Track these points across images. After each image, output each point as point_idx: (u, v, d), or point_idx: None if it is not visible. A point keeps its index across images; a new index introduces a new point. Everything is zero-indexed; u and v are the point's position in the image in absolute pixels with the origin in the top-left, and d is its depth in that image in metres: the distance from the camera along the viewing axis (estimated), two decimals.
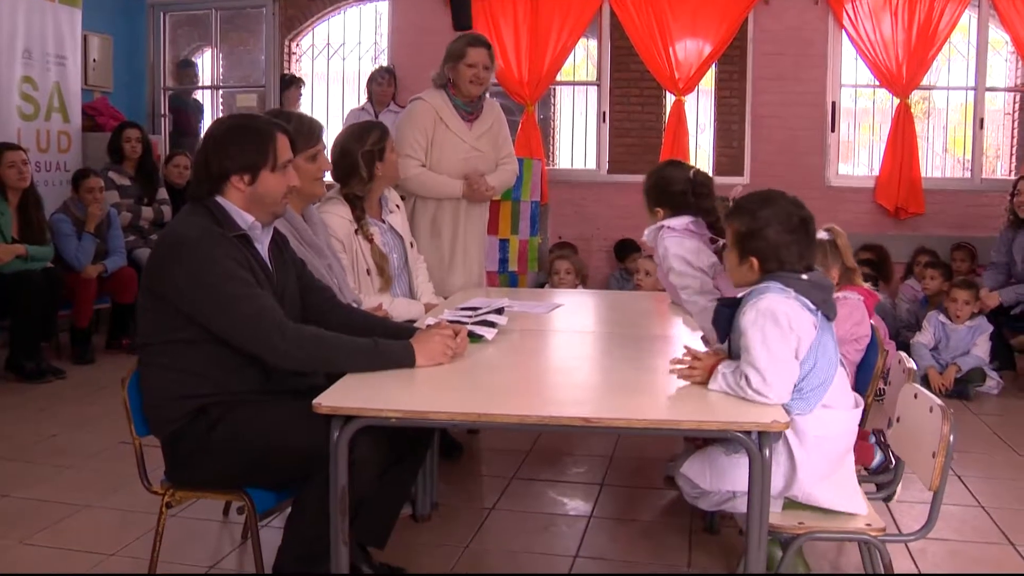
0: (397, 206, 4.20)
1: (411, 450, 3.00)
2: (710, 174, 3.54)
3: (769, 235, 2.51)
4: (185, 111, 9.02)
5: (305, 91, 9.74)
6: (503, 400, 2.54)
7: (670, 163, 3.63)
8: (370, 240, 3.92)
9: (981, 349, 5.88)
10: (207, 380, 2.69)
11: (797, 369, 2.45)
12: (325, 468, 2.44)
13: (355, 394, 2.51)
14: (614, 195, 8.15)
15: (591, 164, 8.68)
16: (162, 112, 8.98)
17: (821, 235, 3.69)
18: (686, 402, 2.49)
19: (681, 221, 3.28)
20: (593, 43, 8.86)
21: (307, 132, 3.42)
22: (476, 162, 4.65)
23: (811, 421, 2.52)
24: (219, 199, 2.76)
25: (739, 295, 2.56)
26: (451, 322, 3.22)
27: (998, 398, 5.80)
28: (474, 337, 3.11)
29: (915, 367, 2.98)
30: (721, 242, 3.13)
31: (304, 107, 9.65)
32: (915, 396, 2.70)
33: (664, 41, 7.84)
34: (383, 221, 4.07)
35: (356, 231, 3.89)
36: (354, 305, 3.55)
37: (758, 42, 7.90)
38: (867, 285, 3.93)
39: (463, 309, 3.53)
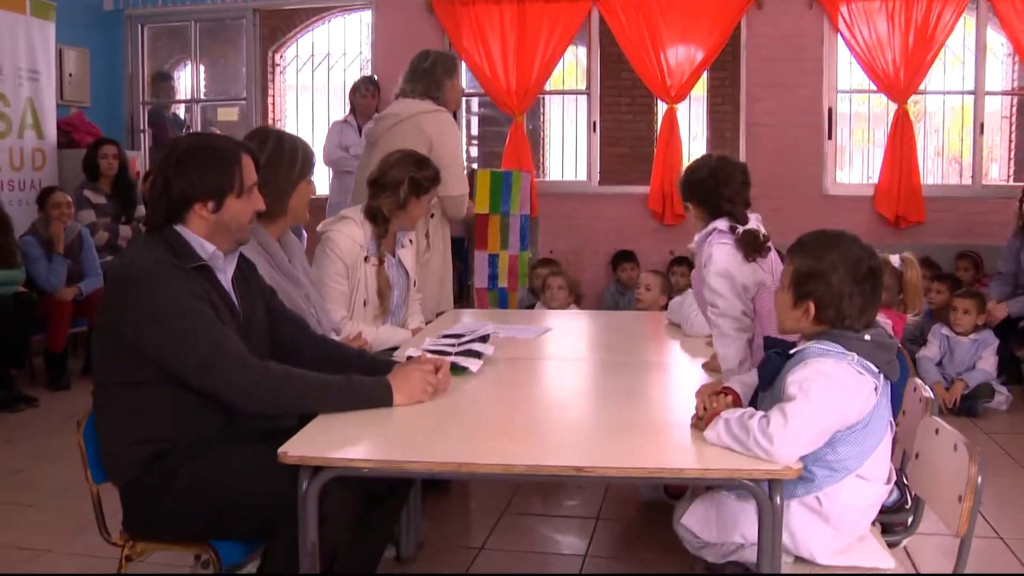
0: (410, 241, 4.06)
1: (392, 492, 2.78)
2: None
3: (833, 280, 2.27)
4: (165, 125, 8.79)
5: (290, 103, 9.59)
6: (487, 445, 2.30)
7: (701, 156, 3.31)
8: (381, 263, 3.81)
9: (988, 363, 5.68)
10: (166, 424, 2.47)
11: (818, 444, 2.20)
12: (294, 521, 2.22)
13: (325, 439, 2.29)
14: (606, 206, 7.93)
15: (582, 175, 8.47)
16: (141, 127, 8.76)
17: (893, 260, 3.45)
18: (687, 446, 2.26)
19: (727, 222, 2.88)
20: (582, 51, 8.66)
21: (312, 155, 3.27)
22: None
23: (843, 489, 2.27)
24: (178, 228, 2.53)
25: (791, 352, 2.31)
26: (433, 352, 3.02)
27: (1007, 414, 5.60)
28: (457, 369, 2.90)
29: (932, 396, 2.76)
30: (740, 229, 2.85)
31: (290, 119, 9.49)
32: (936, 431, 2.48)
33: (655, 48, 7.62)
34: (393, 255, 3.93)
35: (366, 258, 3.76)
36: (334, 334, 3.37)
37: (751, 47, 7.68)
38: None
39: (446, 336, 3.31)
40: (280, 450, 2.18)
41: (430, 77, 4.63)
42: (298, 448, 2.20)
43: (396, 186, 3.80)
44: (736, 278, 2.78)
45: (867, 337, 2.26)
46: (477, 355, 3.06)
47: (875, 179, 7.72)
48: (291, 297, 3.12)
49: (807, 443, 2.14)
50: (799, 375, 2.20)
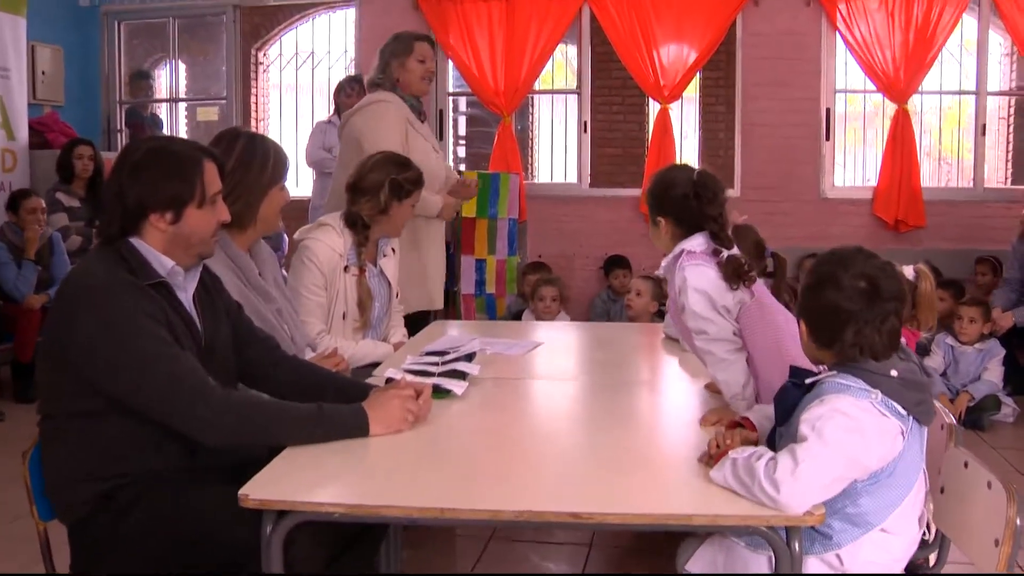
0: (393, 250, 3.84)
1: (367, 531, 2.54)
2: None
3: (839, 304, 2.04)
4: (142, 126, 8.55)
5: (273, 102, 9.34)
6: (473, 484, 2.07)
7: (674, 166, 3.06)
8: (362, 272, 3.60)
9: (994, 374, 5.50)
10: (118, 459, 2.24)
11: (832, 493, 1.96)
12: (259, 564, 1.99)
13: (292, 479, 2.06)
14: (597, 210, 7.72)
15: (572, 177, 8.25)
16: (118, 127, 8.53)
17: (906, 271, 3.21)
18: (696, 486, 2.02)
19: (700, 242, 2.63)
20: (572, 49, 8.45)
21: (285, 159, 3.04)
22: (440, 163, 4.45)
23: (865, 545, 2.05)
24: (133, 241, 2.30)
25: (809, 380, 2.08)
26: (415, 372, 2.80)
27: (1014, 427, 5.42)
28: (440, 392, 2.68)
29: (954, 422, 2.54)
30: (725, 254, 2.62)
31: (273, 119, 9.25)
32: (965, 465, 2.26)
33: (648, 46, 7.42)
34: (375, 265, 3.72)
35: (345, 268, 3.55)
36: (309, 350, 3.15)
37: (747, 46, 7.49)
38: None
39: (429, 354, 3.08)
40: (241, 492, 1.95)
41: (380, 63, 4.43)
42: (260, 490, 1.96)
43: (376, 190, 3.58)
44: (717, 301, 2.55)
45: (893, 373, 2.01)
46: (462, 375, 2.84)
47: (871, 181, 7.52)
48: (261, 313, 2.90)
49: (819, 491, 1.90)
50: (814, 413, 1.96)
